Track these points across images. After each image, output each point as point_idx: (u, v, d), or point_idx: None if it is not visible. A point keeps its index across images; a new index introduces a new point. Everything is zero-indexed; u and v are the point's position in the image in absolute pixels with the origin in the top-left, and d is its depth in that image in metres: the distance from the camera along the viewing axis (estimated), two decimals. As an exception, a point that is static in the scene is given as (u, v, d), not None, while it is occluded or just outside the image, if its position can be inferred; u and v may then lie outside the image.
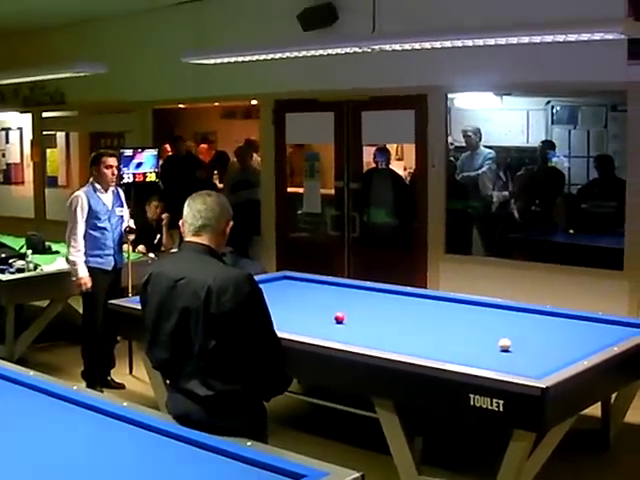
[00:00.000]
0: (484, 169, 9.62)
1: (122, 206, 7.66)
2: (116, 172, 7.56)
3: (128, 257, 7.82)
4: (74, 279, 7.36)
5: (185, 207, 3.82)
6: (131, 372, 7.88)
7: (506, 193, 9.73)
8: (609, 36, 6.16)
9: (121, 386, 7.60)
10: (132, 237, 7.76)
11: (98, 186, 7.42)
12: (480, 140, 9.73)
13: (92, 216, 7.33)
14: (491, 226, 9.59)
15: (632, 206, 7.53)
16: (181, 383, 3.69)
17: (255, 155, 11.31)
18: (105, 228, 7.40)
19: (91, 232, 7.34)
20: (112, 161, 7.49)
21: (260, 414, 3.76)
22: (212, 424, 3.57)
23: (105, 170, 7.41)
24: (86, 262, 7.35)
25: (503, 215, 9.70)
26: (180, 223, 3.86)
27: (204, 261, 3.73)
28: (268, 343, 3.66)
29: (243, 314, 3.55)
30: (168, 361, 3.75)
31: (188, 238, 3.81)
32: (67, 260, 7.54)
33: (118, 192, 7.67)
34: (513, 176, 10.00)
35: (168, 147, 12.09)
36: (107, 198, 7.48)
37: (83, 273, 7.31)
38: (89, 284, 7.30)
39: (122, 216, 7.64)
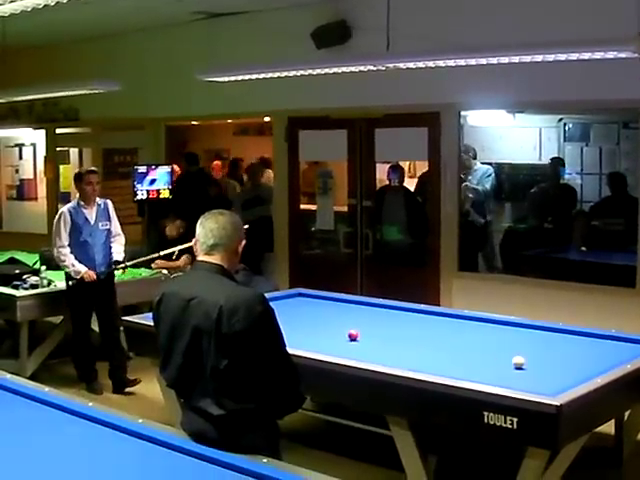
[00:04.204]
0: (486, 185, 9.60)
1: (109, 220, 8.01)
2: (96, 188, 7.93)
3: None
4: (78, 277, 7.69)
5: (198, 226, 3.83)
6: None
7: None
8: (622, 54, 6.16)
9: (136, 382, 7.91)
10: (120, 272, 8.10)
11: (82, 202, 7.84)
12: (475, 158, 9.69)
13: (75, 230, 7.78)
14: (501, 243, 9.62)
15: (644, 223, 7.52)
16: (194, 402, 3.70)
17: (269, 171, 11.32)
18: (87, 242, 7.81)
19: (74, 245, 7.76)
20: (92, 178, 7.91)
21: (274, 432, 3.76)
22: (226, 442, 3.57)
23: (85, 187, 7.85)
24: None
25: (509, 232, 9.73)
26: (193, 242, 3.88)
27: (216, 281, 3.73)
28: (280, 362, 3.66)
29: (255, 334, 3.55)
30: (181, 380, 3.75)
31: (200, 257, 3.82)
32: (62, 267, 7.86)
33: (106, 206, 8.03)
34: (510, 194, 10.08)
35: (176, 167, 11.62)
36: (90, 213, 7.87)
37: (82, 268, 7.70)
38: (93, 275, 7.70)
39: (108, 229, 7.99)
